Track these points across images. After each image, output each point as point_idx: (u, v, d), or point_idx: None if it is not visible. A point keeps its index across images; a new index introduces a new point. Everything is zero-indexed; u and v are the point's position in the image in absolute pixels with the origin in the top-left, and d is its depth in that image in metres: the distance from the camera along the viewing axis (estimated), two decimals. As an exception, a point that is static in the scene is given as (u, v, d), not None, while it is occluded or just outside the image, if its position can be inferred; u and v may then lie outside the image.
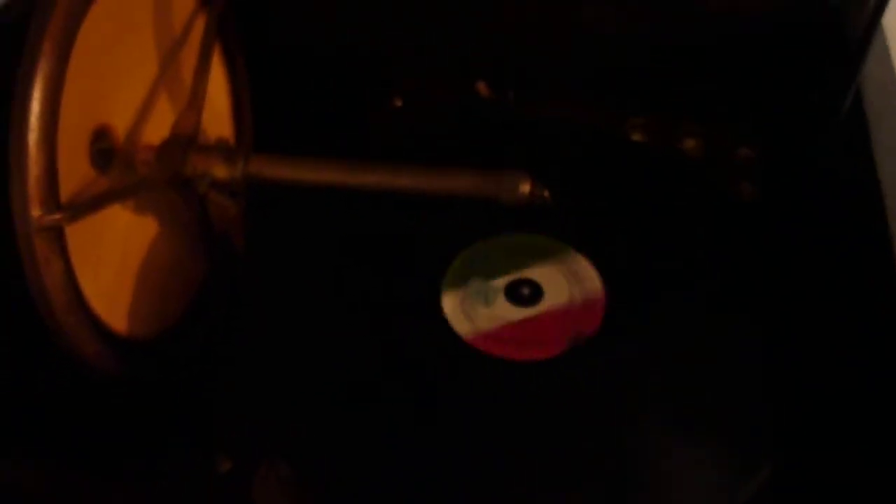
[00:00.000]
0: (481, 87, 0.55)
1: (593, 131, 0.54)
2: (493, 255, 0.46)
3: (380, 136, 0.55)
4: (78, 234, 0.41)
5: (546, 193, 0.44)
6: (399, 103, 0.56)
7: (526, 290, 0.44)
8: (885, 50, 0.45)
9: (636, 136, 0.54)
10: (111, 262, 0.45)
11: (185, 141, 0.45)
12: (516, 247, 0.46)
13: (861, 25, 0.41)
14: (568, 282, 0.44)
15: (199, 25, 0.50)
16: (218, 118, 0.54)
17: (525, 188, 0.44)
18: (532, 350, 0.41)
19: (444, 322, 0.42)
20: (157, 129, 0.47)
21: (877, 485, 0.36)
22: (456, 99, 0.55)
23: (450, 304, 0.43)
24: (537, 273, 0.44)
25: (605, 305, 0.43)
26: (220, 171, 0.45)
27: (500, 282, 0.44)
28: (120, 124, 0.45)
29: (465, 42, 0.55)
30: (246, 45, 0.56)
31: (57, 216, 0.37)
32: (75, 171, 0.41)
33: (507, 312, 0.43)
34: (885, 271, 0.39)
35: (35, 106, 0.36)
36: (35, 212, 0.37)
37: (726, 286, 0.45)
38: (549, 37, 0.55)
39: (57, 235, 0.38)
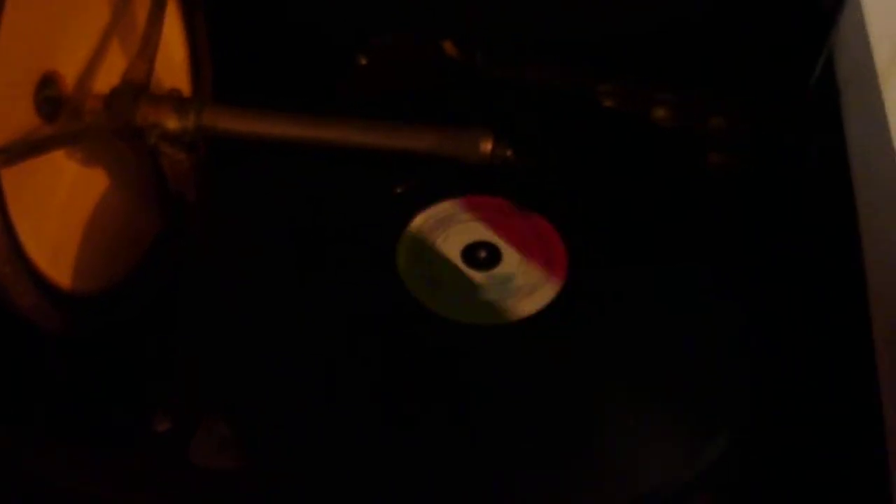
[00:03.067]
0: (448, 46, 0.54)
1: (562, 96, 0.53)
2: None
3: (344, 94, 0.54)
4: (19, 182, 0.39)
5: (509, 153, 0.43)
6: (364, 62, 0.55)
7: (483, 253, 0.42)
8: (860, 15, 0.44)
9: (606, 103, 0.53)
10: (55, 213, 0.43)
11: (135, 90, 0.44)
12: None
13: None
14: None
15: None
16: (175, 70, 0.52)
17: (486, 146, 0.43)
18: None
19: (396, 276, 0.41)
20: (108, 79, 0.45)
21: (837, 452, 0.36)
22: (422, 58, 0.54)
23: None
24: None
25: (562, 283, 0.42)
26: (171, 121, 0.43)
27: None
28: (69, 72, 0.44)
29: (433, 0, 0.54)
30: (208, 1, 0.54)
31: (-12, 159, 0.36)
32: (18, 119, 0.40)
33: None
34: (850, 240, 0.38)
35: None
36: (-35, 153, 0.35)
37: (693, 256, 0.44)
38: (519, -2, 0.54)
39: (-10, 180, 0.37)
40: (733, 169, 0.50)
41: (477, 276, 0.42)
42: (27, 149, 0.39)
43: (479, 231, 0.43)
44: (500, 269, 0.42)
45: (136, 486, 0.36)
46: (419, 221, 0.44)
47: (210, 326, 0.40)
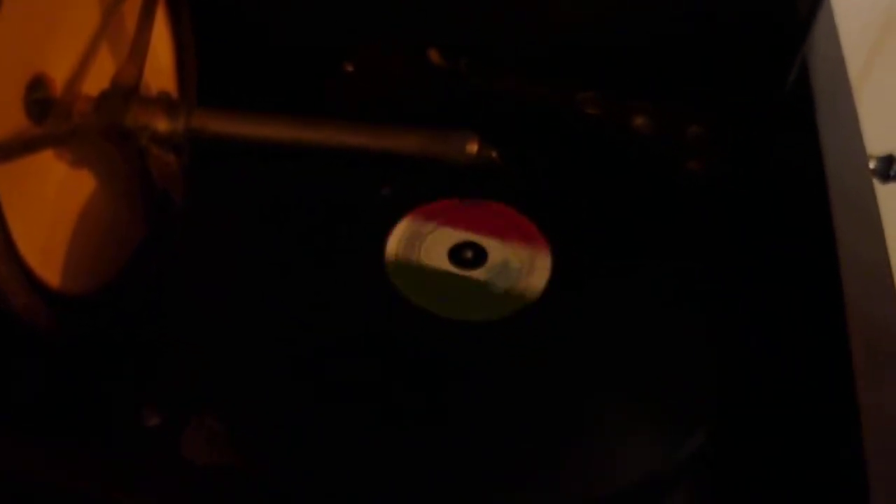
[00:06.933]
0: (433, 54, 0.55)
1: (545, 103, 0.54)
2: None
3: (331, 101, 0.55)
4: (10, 182, 0.39)
5: (494, 154, 0.44)
6: (350, 69, 0.55)
7: (469, 254, 0.43)
8: (833, 25, 0.46)
9: (587, 111, 0.54)
10: (45, 214, 0.43)
11: (125, 92, 0.44)
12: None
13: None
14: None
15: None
16: (161, 73, 0.53)
17: (472, 147, 0.43)
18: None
19: (384, 276, 0.42)
20: (98, 81, 0.45)
21: (812, 451, 0.36)
22: (408, 66, 0.55)
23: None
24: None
25: (545, 286, 0.43)
26: (162, 123, 0.44)
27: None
28: (58, 75, 0.44)
29: (419, 9, 0.55)
30: (195, 7, 0.55)
31: (-16, 156, 0.36)
32: (8, 119, 0.40)
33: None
34: (826, 246, 0.39)
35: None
36: (-39, 149, 0.36)
37: (673, 259, 0.45)
38: (503, 8, 0.55)
39: (-14, 177, 0.37)
40: (710, 175, 0.51)
41: (475, 273, 0.42)
42: (19, 147, 0.39)
43: (452, 234, 0.44)
44: (492, 261, 0.43)
45: (127, 482, 0.37)
46: (407, 221, 0.45)
47: (200, 323, 0.41)
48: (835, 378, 0.36)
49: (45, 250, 0.43)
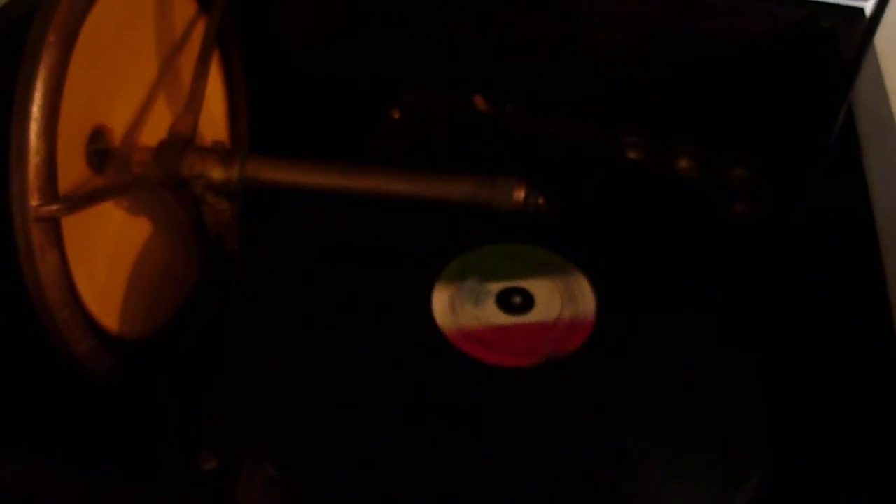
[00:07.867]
0: (478, 100, 0.56)
1: (589, 148, 0.54)
2: (493, 260, 0.46)
3: (377, 147, 0.56)
4: (73, 230, 0.41)
5: (541, 200, 0.44)
6: (397, 115, 0.56)
7: (517, 299, 0.44)
8: (878, 70, 0.46)
9: (631, 154, 0.54)
10: (104, 260, 0.45)
11: (182, 142, 0.45)
12: (518, 256, 0.46)
13: (853, 46, 0.41)
14: (561, 298, 0.44)
15: (199, 31, 0.51)
16: (214, 123, 0.54)
17: (519, 194, 0.44)
18: (506, 356, 0.41)
19: (429, 317, 0.42)
20: (155, 132, 0.47)
21: (867, 494, 0.36)
22: (453, 112, 0.56)
23: (440, 299, 0.43)
24: (533, 285, 0.44)
25: (592, 329, 0.43)
26: (217, 172, 0.45)
27: (495, 287, 0.44)
28: (117, 125, 0.45)
29: (464, 56, 0.56)
30: (246, 56, 0.56)
31: (55, 207, 0.37)
32: (72, 169, 0.42)
33: (494, 316, 0.43)
34: (874, 285, 0.39)
35: (37, 96, 0.37)
36: (33, 201, 0.37)
37: (719, 303, 0.45)
38: (547, 54, 0.56)
39: (54, 227, 0.38)
40: (755, 219, 0.51)
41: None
42: (83, 199, 0.40)
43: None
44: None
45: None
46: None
47: (255, 368, 0.42)
48: (888, 419, 0.36)
49: (105, 296, 0.44)
